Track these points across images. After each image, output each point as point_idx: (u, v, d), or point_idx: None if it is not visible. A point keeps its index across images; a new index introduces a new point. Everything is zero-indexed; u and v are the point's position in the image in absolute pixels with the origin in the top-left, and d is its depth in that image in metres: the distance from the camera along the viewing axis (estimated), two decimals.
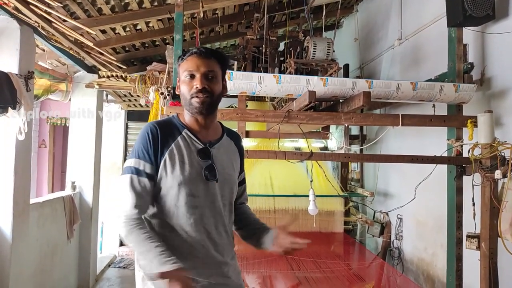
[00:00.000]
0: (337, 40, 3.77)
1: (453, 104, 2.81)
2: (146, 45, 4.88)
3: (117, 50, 4.69)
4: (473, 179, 2.52)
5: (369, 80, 2.60)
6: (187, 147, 1.40)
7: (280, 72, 3.81)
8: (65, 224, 4.29)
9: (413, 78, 3.50)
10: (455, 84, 2.64)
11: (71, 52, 3.94)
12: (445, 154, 2.78)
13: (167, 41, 4.84)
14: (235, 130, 1.66)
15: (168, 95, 2.89)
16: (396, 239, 4.05)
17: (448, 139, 2.79)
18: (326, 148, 5.15)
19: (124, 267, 5.95)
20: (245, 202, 1.65)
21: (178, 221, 1.35)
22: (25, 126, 3.01)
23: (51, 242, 4.00)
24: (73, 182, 4.69)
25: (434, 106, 2.90)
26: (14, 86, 2.88)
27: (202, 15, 3.89)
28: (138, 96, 4.91)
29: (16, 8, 2.93)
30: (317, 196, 3.14)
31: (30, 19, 3.13)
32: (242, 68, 4.09)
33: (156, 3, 3.76)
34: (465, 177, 2.70)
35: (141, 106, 6.15)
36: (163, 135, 1.38)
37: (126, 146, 6.88)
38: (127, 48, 4.77)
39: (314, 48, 3.31)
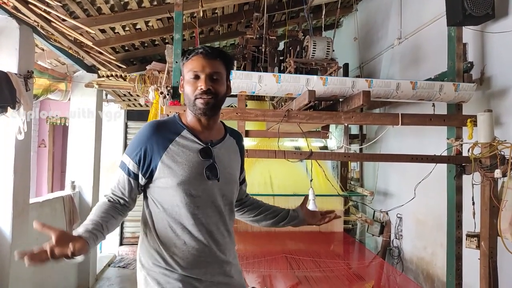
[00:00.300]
0: (337, 40, 3.78)
1: (452, 103, 2.81)
2: (146, 44, 4.88)
3: (117, 50, 4.68)
4: (472, 178, 2.52)
5: (369, 79, 2.60)
6: (186, 147, 1.39)
7: (280, 71, 3.81)
8: (65, 224, 4.29)
9: (413, 77, 3.50)
10: (455, 83, 2.64)
11: (70, 51, 3.94)
12: (445, 153, 2.78)
13: (166, 41, 4.83)
14: (236, 129, 1.66)
15: (168, 94, 2.88)
16: (396, 238, 4.05)
17: (447, 138, 2.79)
18: (325, 147, 5.15)
19: (124, 267, 5.95)
20: (248, 195, 1.71)
21: (180, 221, 1.35)
22: (25, 126, 3.01)
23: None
24: (73, 182, 4.69)
25: (433, 105, 2.90)
26: (14, 86, 2.88)
27: (201, 15, 3.89)
28: (137, 95, 4.90)
29: (15, 8, 2.93)
30: (317, 195, 3.14)
31: (29, 18, 3.13)
32: (242, 67, 4.10)
33: (155, 3, 3.75)
34: (465, 176, 2.70)
35: (141, 106, 6.14)
36: (161, 135, 1.38)
37: (125, 146, 6.87)
38: (126, 48, 4.77)
39: (313, 48, 3.30)
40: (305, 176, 4.56)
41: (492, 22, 2.73)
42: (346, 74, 4.64)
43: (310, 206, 3.02)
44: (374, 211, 4.44)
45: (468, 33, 2.88)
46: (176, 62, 2.81)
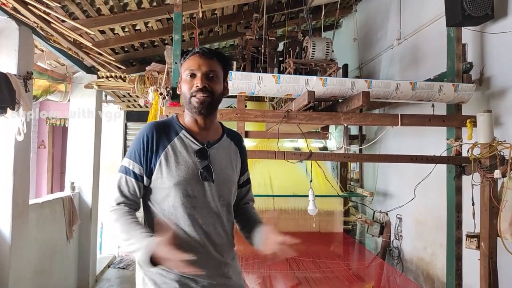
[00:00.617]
0: (336, 40, 3.78)
1: (452, 104, 2.81)
2: (145, 45, 4.88)
3: (116, 51, 4.68)
4: (472, 178, 2.52)
5: (368, 80, 2.60)
6: (184, 147, 1.40)
7: (279, 72, 3.81)
8: (64, 225, 4.29)
9: (412, 78, 3.50)
10: (454, 84, 2.64)
11: (70, 52, 3.93)
12: (445, 154, 2.78)
13: (166, 42, 4.84)
14: (235, 130, 1.66)
15: (167, 95, 2.88)
16: (396, 238, 4.05)
17: (447, 139, 2.80)
18: (325, 148, 5.16)
19: (123, 268, 5.94)
20: (250, 202, 1.64)
21: (176, 222, 1.36)
22: (24, 127, 3.00)
23: (51, 243, 3.99)
24: (72, 183, 4.69)
25: (433, 105, 2.90)
26: (13, 87, 2.88)
27: (201, 15, 3.89)
28: (137, 96, 4.91)
29: (14, 9, 2.93)
30: (316, 196, 3.13)
31: (29, 19, 3.13)
32: (241, 68, 4.10)
33: (155, 4, 3.75)
34: (464, 177, 2.70)
35: (140, 107, 6.15)
36: (159, 136, 1.39)
37: (125, 147, 6.87)
38: (126, 49, 4.77)
39: (313, 48, 3.31)
40: (305, 177, 4.56)
41: (491, 22, 2.73)
42: (345, 74, 4.63)
43: (310, 207, 3.01)
44: (374, 212, 4.44)
45: (468, 33, 2.88)
46: (176, 63, 2.81)
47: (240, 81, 2.54)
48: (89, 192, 4.82)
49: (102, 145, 5.19)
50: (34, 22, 3.15)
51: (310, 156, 2.73)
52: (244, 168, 1.59)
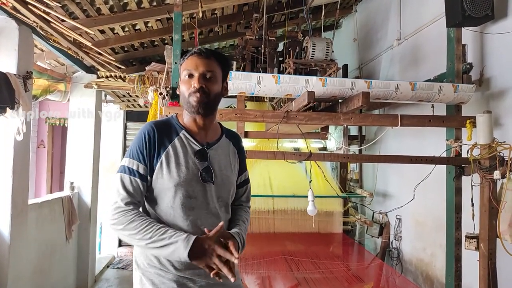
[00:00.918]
0: (336, 40, 3.78)
1: (452, 105, 2.81)
2: (145, 45, 4.87)
3: (116, 50, 4.68)
4: (472, 179, 2.52)
5: (368, 80, 2.60)
6: (184, 148, 1.40)
7: (279, 72, 3.81)
8: (63, 225, 4.28)
9: (412, 78, 3.50)
10: (454, 85, 2.64)
11: (69, 52, 3.93)
12: (444, 155, 2.78)
13: (166, 41, 4.83)
14: (234, 130, 1.65)
15: (167, 95, 2.88)
16: (395, 239, 4.05)
17: (447, 140, 2.80)
18: (325, 148, 5.16)
19: (123, 268, 5.94)
20: (243, 203, 1.62)
21: (174, 222, 1.35)
22: (24, 127, 3.00)
23: (50, 243, 3.99)
24: (72, 183, 4.68)
25: (433, 106, 2.90)
26: (13, 86, 2.88)
27: (201, 15, 3.88)
28: (137, 96, 4.90)
29: (14, 8, 2.92)
30: (316, 196, 3.13)
31: (29, 19, 3.12)
32: (241, 68, 4.09)
33: (155, 3, 3.75)
34: (464, 178, 2.70)
35: (140, 107, 6.14)
36: (160, 136, 1.39)
37: (125, 146, 6.86)
38: (126, 48, 4.77)
39: (313, 48, 3.30)
40: (304, 177, 4.56)
41: (491, 23, 2.73)
42: (345, 75, 4.63)
43: (310, 207, 3.01)
44: (373, 212, 4.44)
45: (468, 34, 2.88)
46: (176, 62, 2.81)
47: (240, 81, 2.53)
48: (88, 192, 4.82)
49: (102, 145, 5.18)
50: (34, 21, 3.15)
51: (309, 156, 2.73)
52: (242, 168, 1.59)
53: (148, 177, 1.37)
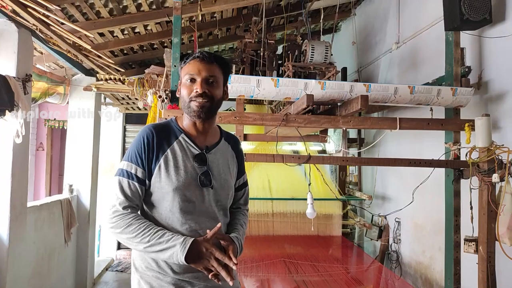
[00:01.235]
0: (335, 44, 3.79)
1: (450, 108, 2.82)
2: (144, 48, 4.88)
3: (115, 53, 4.69)
4: (470, 182, 2.52)
5: (367, 83, 2.61)
6: (183, 152, 1.40)
7: (278, 75, 3.82)
8: (62, 228, 4.27)
9: (411, 82, 3.51)
10: (453, 88, 2.65)
11: (69, 55, 3.93)
12: (443, 158, 2.79)
13: (165, 44, 4.85)
14: (233, 133, 1.65)
15: (166, 98, 2.88)
16: (394, 242, 4.05)
17: (445, 143, 2.80)
18: (324, 151, 5.15)
19: (121, 271, 5.92)
20: (241, 206, 1.63)
21: (172, 226, 1.35)
22: (23, 129, 3.00)
23: (49, 246, 3.98)
24: (71, 185, 4.68)
25: (431, 109, 2.91)
26: (12, 89, 2.88)
27: (200, 18, 3.90)
28: (136, 99, 4.90)
29: (14, 11, 2.93)
30: (315, 199, 3.14)
31: (28, 22, 3.13)
32: (240, 71, 4.10)
33: (154, 6, 3.76)
34: (462, 181, 2.70)
35: (139, 109, 6.15)
36: (159, 139, 1.39)
37: (124, 149, 6.86)
38: (125, 51, 4.78)
39: (312, 52, 3.31)
40: (304, 180, 4.57)
41: (489, 27, 2.75)
42: (344, 78, 4.65)
43: (309, 210, 3.01)
44: (373, 215, 4.44)
45: (466, 37, 2.89)
46: (175, 65, 2.82)
47: (239, 84, 2.54)
48: (87, 194, 4.81)
49: (101, 147, 5.18)
50: (34, 24, 3.15)
51: (308, 159, 2.73)
52: (240, 172, 1.59)
53: (147, 181, 1.36)
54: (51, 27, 3.31)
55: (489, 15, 2.59)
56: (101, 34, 4.05)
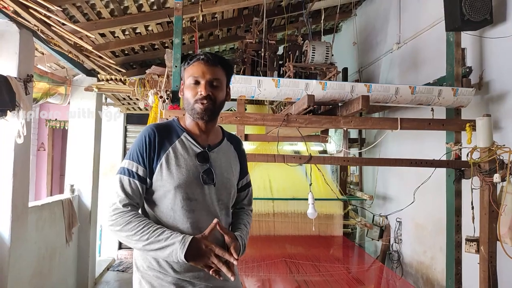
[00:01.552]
0: (336, 44, 3.79)
1: (451, 108, 2.82)
2: (145, 48, 4.89)
3: (116, 54, 4.69)
4: (472, 182, 2.52)
5: (368, 84, 2.61)
6: (185, 150, 1.40)
7: (279, 75, 3.82)
8: (63, 228, 4.28)
9: (412, 82, 3.51)
10: (454, 88, 2.65)
11: (70, 55, 3.94)
12: (444, 158, 2.79)
13: (166, 45, 4.85)
14: (234, 133, 1.66)
15: (167, 98, 2.89)
16: (395, 242, 4.05)
17: (446, 143, 2.80)
18: (325, 151, 5.16)
19: (123, 271, 5.93)
20: (245, 207, 1.63)
21: (174, 224, 1.35)
22: (24, 129, 3.00)
23: (50, 245, 3.99)
24: (72, 185, 4.69)
25: (432, 110, 2.91)
26: (13, 89, 2.88)
27: (201, 19, 3.90)
28: (137, 99, 4.90)
29: (15, 12, 2.93)
30: (316, 199, 3.14)
31: (30, 22, 3.13)
32: (241, 71, 4.10)
33: (155, 7, 3.77)
34: (464, 181, 2.70)
35: (140, 109, 6.16)
36: (161, 138, 1.39)
37: (125, 149, 6.87)
38: (126, 52, 4.78)
39: (313, 52, 3.32)
40: (305, 180, 4.57)
41: (490, 27, 2.75)
42: (345, 78, 4.65)
43: (310, 210, 3.02)
44: (374, 215, 4.44)
45: (467, 38, 2.89)
46: (176, 66, 2.82)
47: (240, 85, 2.55)
48: (88, 194, 4.82)
49: (102, 148, 5.19)
50: (35, 25, 3.16)
51: (309, 159, 2.73)
52: (243, 172, 1.60)
53: (148, 180, 1.37)
54: (52, 28, 3.32)
55: (490, 15, 2.59)
56: (102, 35, 4.06)
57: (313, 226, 4.00)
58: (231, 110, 5.26)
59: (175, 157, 1.38)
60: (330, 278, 3.45)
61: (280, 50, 4.18)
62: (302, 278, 3.44)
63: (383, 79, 4.44)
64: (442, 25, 2.83)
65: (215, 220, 1.32)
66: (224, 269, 1.25)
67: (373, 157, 4.49)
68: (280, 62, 3.97)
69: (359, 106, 2.44)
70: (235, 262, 1.26)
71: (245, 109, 4.19)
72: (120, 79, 4.45)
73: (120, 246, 6.63)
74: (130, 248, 6.14)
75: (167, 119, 2.41)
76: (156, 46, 4.90)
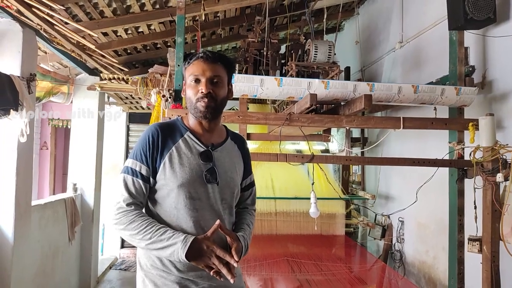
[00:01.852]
0: (338, 43, 3.78)
1: (454, 107, 2.81)
2: (148, 47, 4.90)
3: (119, 53, 4.70)
4: (474, 182, 2.51)
5: (371, 83, 2.60)
6: (189, 149, 1.40)
7: (281, 74, 3.82)
8: (66, 226, 4.30)
9: (415, 81, 3.50)
10: (456, 87, 2.64)
11: (73, 54, 3.95)
12: (447, 157, 2.78)
13: (168, 44, 4.85)
14: (238, 133, 1.66)
15: (170, 97, 2.89)
16: (398, 242, 4.04)
17: (449, 142, 2.79)
18: (327, 150, 5.15)
19: (125, 269, 5.95)
20: (248, 206, 1.63)
21: (178, 223, 1.36)
22: (27, 128, 3.01)
23: (53, 244, 4.00)
24: (75, 184, 4.70)
25: (435, 109, 2.90)
26: (16, 88, 2.89)
27: (203, 18, 3.90)
28: (139, 98, 4.91)
29: (18, 11, 2.94)
30: (318, 198, 3.13)
31: (33, 21, 3.14)
32: (244, 70, 4.10)
33: (157, 6, 3.77)
34: (466, 180, 2.70)
35: (143, 109, 6.16)
36: (164, 137, 1.40)
37: (127, 148, 6.89)
38: (128, 51, 4.79)
39: (315, 51, 3.31)
40: (307, 179, 4.56)
41: (493, 26, 2.74)
42: (347, 77, 4.64)
43: (312, 209, 3.01)
44: (376, 215, 4.44)
45: (470, 37, 2.88)
46: (178, 65, 2.82)
47: (242, 84, 2.54)
48: (91, 193, 4.84)
49: (104, 146, 5.20)
50: (38, 24, 3.17)
51: (312, 158, 2.73)
52: (247, 172, 1.60)
53: (151, 179, 1.38)
54: (55, 27, 3.33)
55: (493, 14, 2.58)
56: (105, 34, 4.06)
57: (315, 225, 4.00)
58: (233, 109, 5.26)
59: (178, 156, 1.38)
60: (332, 277, 3.45)
61: (283, 49, 4.18)
62: (304, 277, 3.44)
63: (385, 78, 4.43)
64: (445, 24, 2.82)
65: (218, 221, 1.32)
66: (224, 271, 1.25)
67: (375, 156, 4.48)
68: (283, 61, 3.96)
69: (362, 105, 2.44)
70: (235, 264, 1.27)
71: (247, 108, 4.19)
72: (123, 78, 4.46)
73: (123, 244, 6.65)
74: (133, 246, 6.18)
75: (169, 118, 2.42)
76: (159, 45, 4.90)
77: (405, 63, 4.05)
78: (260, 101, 4.81)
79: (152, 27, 4.28)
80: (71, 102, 4.85)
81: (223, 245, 1.33)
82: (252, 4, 4.19)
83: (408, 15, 3.96)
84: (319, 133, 4.35)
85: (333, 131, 4.45)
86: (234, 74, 2.22)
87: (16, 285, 3.07)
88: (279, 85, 2.58)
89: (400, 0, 4.06)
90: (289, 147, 5.10)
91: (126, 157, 6.81)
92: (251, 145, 4.73)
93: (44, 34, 3.38)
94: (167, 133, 1.41)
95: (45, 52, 4.10)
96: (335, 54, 3.39)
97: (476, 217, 2.48)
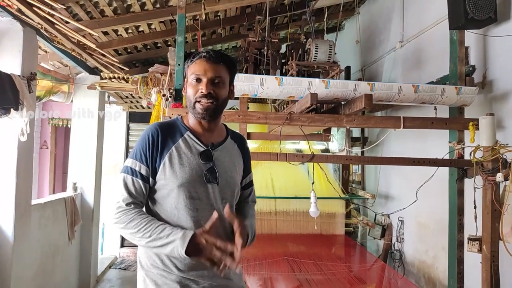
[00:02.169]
0: (339, 43, 3.78)
1: (454, 107, 2.81)
2: (148, 47, 4.89)
3: (119, 52, 4.70)
4: (474, 181, 2.51)
5: (371, 82, 2.61)
6: (189, 149, 1.40)
7: (282, 74, 3.82)
8: (66, 225, 4.30)
9: (415, 81, 3.50)
10: (457, 87, 2.64)
11: (73, 53, 3.95)
12: (447, 157, 2.78)
13: (169, 43, 4.85)
14: (238, 132, 1.65)
15: (170, 96, 2.89)
16: (397, 241, 4.04)
17: (449, 142, 2.80)
18: (327, 150, 5.15)
19: (125, 269, 5.95)
20: (249, 201, 1.64)
21: (178, 223, 1.36)
22: (27, 128, 3.01)
23: (53, 243, 4.00)
24: (75, 183, 4.70)
25: (435, 108, 2.90)
26: (17, 87, 2.89)
27: (204, 17, 3.90)
28: (139, 97, 4.91)
29: (19, 10, 2.94)
30: (318, 198, 3.13)
31: (33, 20, 3.14)
32: (244, 70, 4.10)
33: (158, 5, 3.77)
34: (466, 180, 2.70)
35: (143, 108, 6.17)
36: (164, 137, 1.39)
37: (127, 147, 6.89)
38: (129, 50, 4.79)
39: (315, 50, 3.31)
40: (307, 179, 4.56)
41: (494, 25, 2.73)
42: (348, 77, 4.64)
43: (312, 209, 3.02)
44: (376, 214, 4.44)
45: (470, 36, 2.88)
46: (179, 64, 2.82)
47: (243, 83, 2.55)
48: (91, 192, 4.83)
49: (105, 145, 5.20)
50: (38, 23, 3.17)
51: (312, 158, 2.73)
52: (247, 170, 1.60)
53: (151, 179, 1.37)
54: (56, 26, 3.33)
55: (494, 13, 2.58)
56: (105, 33, 4.06)
57: (315, 225, 4.00)
58: (233, 109, 5.26)
59: (178, 156, 1.38)
60: (332, 276, 3.45)
61: (283, 49, 4.18)
62: (304, 277, 3.44)
63: (386, 77, 4.43)
64: (446, 24, 2.82)
65: (215, 214, 1.31)
66: (228, 261, 1.23)
67: (375, 155, 4.48)
68: (283, 61, 3.96)
69: (362, 105, 2.44)
70: (237, 253, 1.24)
71: (248, 108, 4.19)
72: (123, 77, 4.46)
73: (123, 244, 6.66)
74: (133, 246, 6.18)
75: (170, 117, 2.42)
76: (159, 45, 4.90)
77: (405, 62, 4.05)
78: (260, 101, 4.81)
79: (153, 26, 4.27)
80: (71, 101, 4.85)
81: (224, 236, 1.32)
82: (253, 4, 4.19)
83: (409, 14, 3.96)
84: (319, 132, 4.36)
85: (333, 130, 4.45)
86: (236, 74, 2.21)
87: (16, 284, 3.08)
88: (280, 84, 2.58)
89: None
90: (289, 146, 5.10)
91: (126, 156, 6.81)
92: (251, 145, 4.73)
93: (45, 33, 3.38)
94: (167, 133, 1.41)
95: (46, 51, 4.10)
96: (335, 53, 3.39)
97: (476, 217, 2.48)
